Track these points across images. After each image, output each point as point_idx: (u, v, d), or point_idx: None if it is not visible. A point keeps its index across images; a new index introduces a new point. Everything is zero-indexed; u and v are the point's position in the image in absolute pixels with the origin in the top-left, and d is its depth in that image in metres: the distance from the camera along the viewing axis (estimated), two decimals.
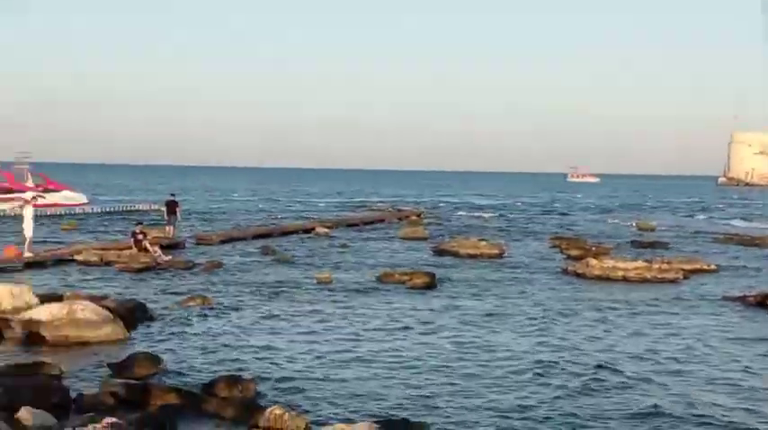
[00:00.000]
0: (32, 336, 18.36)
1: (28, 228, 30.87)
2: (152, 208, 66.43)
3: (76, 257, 31.80)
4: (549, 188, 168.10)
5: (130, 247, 32.66)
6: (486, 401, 14.57)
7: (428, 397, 14.74)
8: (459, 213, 73.98)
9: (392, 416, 13.27)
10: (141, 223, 34.89)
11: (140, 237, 32.59)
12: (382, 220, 58.53)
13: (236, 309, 22.96)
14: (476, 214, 72.75)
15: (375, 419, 12.84)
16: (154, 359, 15.94)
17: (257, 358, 17.42)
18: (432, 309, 23.54)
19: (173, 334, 19.66)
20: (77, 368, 16.17)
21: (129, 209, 65.70)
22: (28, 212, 31.45)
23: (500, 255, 37.36)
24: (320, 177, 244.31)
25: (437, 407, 14.12)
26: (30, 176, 66.00)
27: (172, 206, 39.97)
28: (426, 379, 15.95)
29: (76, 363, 16.49)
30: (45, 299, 20.50)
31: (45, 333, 18.24)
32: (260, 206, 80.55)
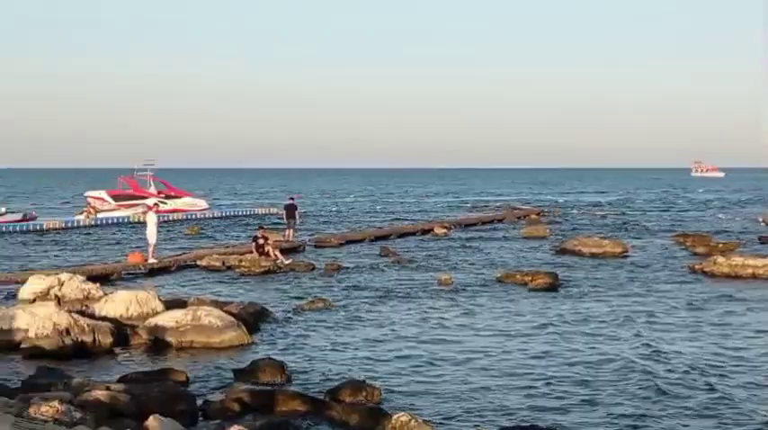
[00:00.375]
0: (158, 342, 18.56)
1: (151, 234, 31.34)
2: (270, 211, 67.21)
3: (199, 262, 32.18)
4: (672, 183, 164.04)
5: (251, 252, 32.86)
6: (611, 411, 14.02)
7: (555, 406, 14.26)
8: (576, 211, 72.63)
9: (521, 422, 12.87)
10: (263, 227, 35.08)
11: (261, 241, 32.77)
12: (501, 220, 57.87)
13: (358, 312, 22.85)
14: (594, 211, 71.39)
15: (503, 426, 12.52)
16: (278, 365, 15.85)
17: (380, 362, 17.25)
18: (555, 312, 22.94)
19: (295, 338, 19.63)
20: (203, 374, 16.22)
21: (247, 213, 66.51)
22: (151, 219, 31.93)
23: (624, 254, 36.41)
24: (428, 177, 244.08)
25: (565, 416, 13.65)
26: (152, 183, 67.44)
27: (291, 209, 40.12)
28: (551, 385, 15.48)
29: (202, 369, 16.55)
30: (170, 305, 20.68)
31: (170, 339, 18.40)
32: (377, 208, 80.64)
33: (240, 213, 66.22)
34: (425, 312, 22.98)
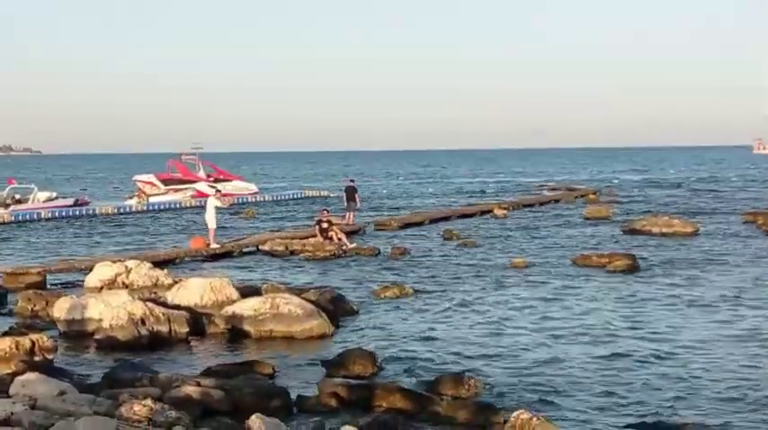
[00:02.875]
0: (236, 332, 17.75)
1: (211, 219, 30.56)
2: (320, 194, 66.48)
3: (261, 247, 31.40)
4: (731, 161, 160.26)
5: (314, 236, 32.04)
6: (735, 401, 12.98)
7: (675, 397, 13.25)
8: (638, 190, 71.00)
9: (651, 418, 11.87)
10: (327, 210, 34.22)
11: (325, 224, 31.91)
12: (558, 200, 56.67)
13: (435, 298, 21.93)
14: (652, 191, 69.86)
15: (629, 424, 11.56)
16: (369, 356, 14.93)
17: (470, 351, 16.30)
18: (643, 296, 21.82)
19: (375, 326, 18.72)
20: (288, 366, 15.36)
21: (298, 196, 65.80)
22: (211, 203, 31.15)
23: (694, 233, 35.20)
24: (453, 157, 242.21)
25: (698, 411, 12.62)
26: (201, 167, 66.90)
27: (351, 192, 39.23)
28: (663, 375, 14.45)
29: (285, 361, 15.70)
30: (244, 292, 19.86)
31: (249, 328, 17.58)
32: (429, 190, 79.56)
33: (290, 197, 65.47)
34: (505, 296, 22.01)
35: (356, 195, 39.51)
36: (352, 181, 41.99)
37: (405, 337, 17.55)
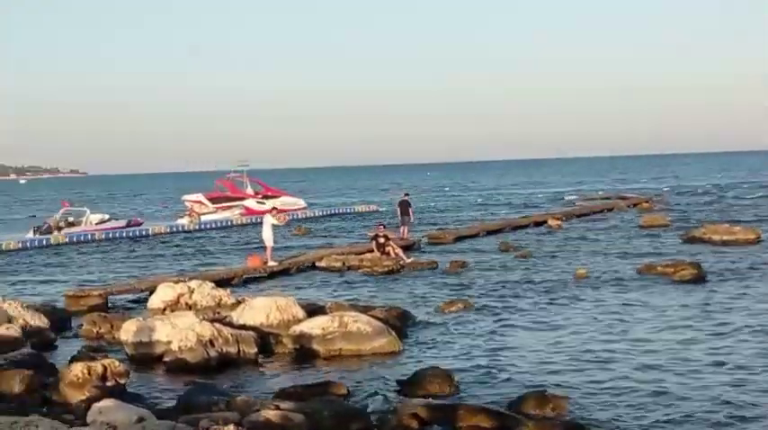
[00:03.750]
0: (304, 351, 17.45)
1: (269, 237, 30.37)
2: (370, 209, 66.21)
3: (318, 264, 31.16)
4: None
5: (371, 251, 31.75)
6: None
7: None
8: (688, 198, 70.04)
9: None
10: (383, 225, 33.91)
11: (382, 239, 31.60)
12: (611, 209, 55.91)
13: (500, 311, 21.51)
14: (704, 198, 68.82)
15: None
16: (445, 374, 14.56)
17: (545, 367, 15.86)
18: (719, 305, 21.23)
19: (444, 343, 18.35)
20: (361, 386, 15.02)
21: (347, 211, 65.57)
22: (268, 221, 30.96)
23: (757, 241, 34.44)
24: (508, 168, 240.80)
25: None
26: (248, 184, 67.00)
27: (404, 206, 38.97)
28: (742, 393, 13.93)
29: (359, 380, 15.35)
30: (309, 310, 19.59)
31: (318, 347, 17.26)
32: (478, 200, 79.03)
33: (339, 211, 65.26)
34: (574, 308, 21.57)
35: (410, 209, 39.19)
36: (406, 194, 41.64)
37: (476, 354, 17.17)
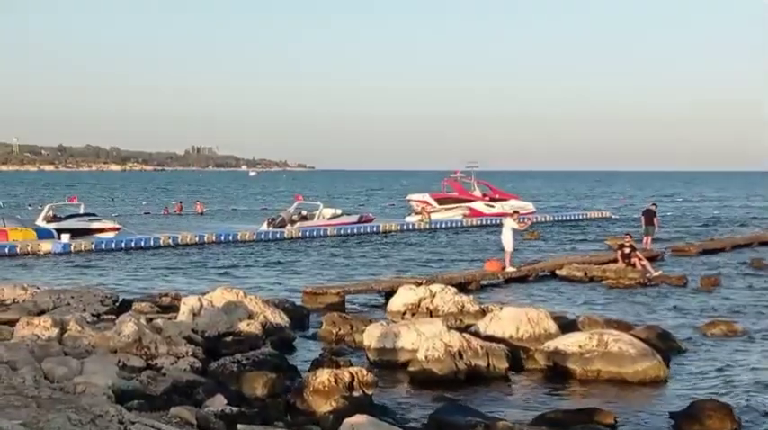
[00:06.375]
0: (557, 369, 16.09)
1: (508, 241, 29.11)
2: (603, 215, 63.92)
3: (558, 272, 29.66)
4: None
5: (614, 261, 29.95)
6: None
7: None
8: None
9: None
10: (629, 235, 32.00)
11: (627, 250, 29.71)
12: None
13: None
14: None
15: None
16: (726, 409, 12.87)
17: None
18: None
19: (712, 370, 16.55)
20: (628, 415, 13.53)
21: (579, 217, 63.43)
22: (508, 225, 29.71)
23: None
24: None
25: None
26: (476, 186, 65.95)
27: (649, 215, 36.90)
28: None
29: (623, 408, 13.85)
30: (561, 324, 18.21)
31: (573, 366, 15.86)
32: (714, 212, 74.98)
33: (571, 218, 63.16)
34: None
35: (655, 219, 37.04)
36: (654, 204, 39.48)
37: (750, 385, 15.32)
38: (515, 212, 33.73)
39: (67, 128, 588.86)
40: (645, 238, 36.17)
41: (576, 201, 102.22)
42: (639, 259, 29.41)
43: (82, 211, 47.35)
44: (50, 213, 45.26)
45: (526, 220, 33.67)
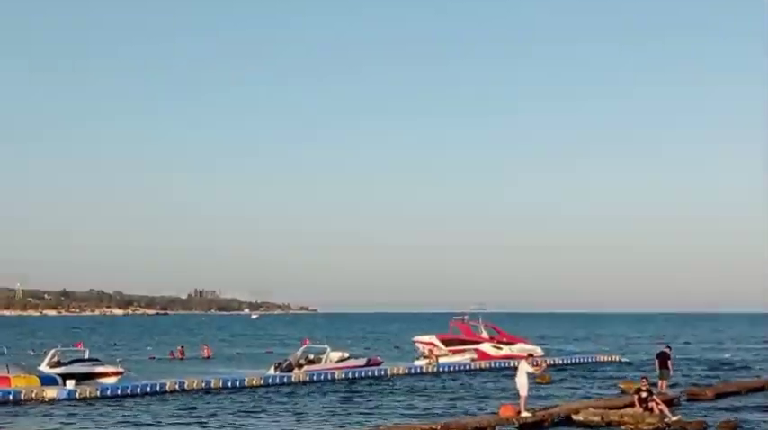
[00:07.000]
0: None
1: (523, 385, 28.62)
2: (614, 359, 63.18)
3: (574, 417, 29.06)
4: None
5: (630, 405, 29.39)
6: None
7: None
8: None
9: None
10: (646, 378, 31.46)
11: (644, 394, 29.18)
12: None
13: None
14: None
15: None
16: None
17: None
18: None
19: None
20: None
21: (588, 360, 62.62)
22: (522, 368, 29.26)
23: None
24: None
25: None
26: (483, 328, 65.66)
27: (664, 358, 36.45)
28: None
29: None
30: None
31: None
32: (725, 355, 73.97)
33: (580, 361, 62.30)
34: None
35: (669, 362, 36.55)
36: (668, 347, 39.03)
37: None
38: (530, 355, 33.32)
39: (70, 272, 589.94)
40: (660, 382, 35.61)
41: (581, 343, 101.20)
42: (657, 403, 28.87)
43: (86, 357, 46.91)
44: (55, 359, 44.75)
45: (541, 363, 33.19)
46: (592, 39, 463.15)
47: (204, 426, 29.21)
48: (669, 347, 39.16)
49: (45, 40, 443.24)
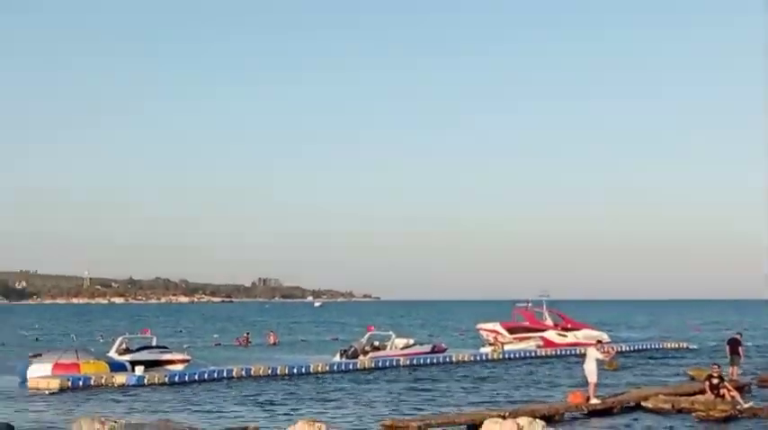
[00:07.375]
0: None
1: (592, 372, 28.30)
2: (681, 346, 62.38)
3: (644, 404, 28.63)
4: None
5: (701, 392, 28.88)
6: None
7: None
8: None
9: None
10: (717, 364, 30.90)
11: (716, 380, 28.66)
12: None
13: None
14: None
15: None
16: None
17: None
18: None
19: None
20: None
21: (656, 346, 61.89)
22: (591, 355, 28.91)
23: None
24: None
25: None
26: (548, 315, 65.09)
27: (735, 344, 35.83)
28: None
29: None
30: None
31: None
32: None
33: (647, 347, 61.53)
34: None
35: (740, 349, 35.92)
36: (739, 334, 38.34)
37: None
38: (599, 342, 32.93)
39: (137, 261, 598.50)
40: (731, 369, 34.99)
41: (644, 330, 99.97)
42: (729, 390, 28.34)
43: (154, 344, 47.40)
44: (123, 346, 45.26)
45: (610, 349, 32.75)
46: None
47: (270, 413, 29.26)
48: (740, 334, 38.45)
49: None
